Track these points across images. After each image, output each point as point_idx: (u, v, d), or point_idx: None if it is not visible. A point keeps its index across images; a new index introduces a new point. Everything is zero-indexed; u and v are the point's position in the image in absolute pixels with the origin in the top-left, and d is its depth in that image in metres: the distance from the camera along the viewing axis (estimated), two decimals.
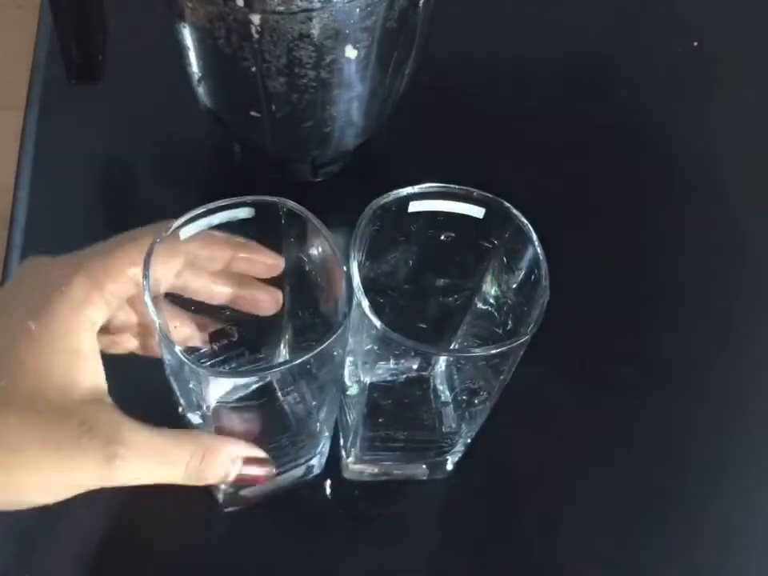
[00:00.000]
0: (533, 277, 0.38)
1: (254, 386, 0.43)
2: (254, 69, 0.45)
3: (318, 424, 0.43)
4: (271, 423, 0.44)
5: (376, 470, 0.46)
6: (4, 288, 0.38)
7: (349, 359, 0.41)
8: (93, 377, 0.36)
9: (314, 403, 0.43)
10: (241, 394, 0.43)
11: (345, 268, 0.36)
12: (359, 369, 0.40)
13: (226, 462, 0.38)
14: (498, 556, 0.45)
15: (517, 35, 0.64)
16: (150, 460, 0.35)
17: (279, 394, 0.44)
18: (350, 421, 0.44)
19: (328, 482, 0.46)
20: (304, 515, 0.45)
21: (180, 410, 0.40)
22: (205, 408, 0.38)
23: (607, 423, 0.49)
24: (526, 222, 0.38)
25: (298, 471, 0.45)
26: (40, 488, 0.35)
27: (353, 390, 0.42)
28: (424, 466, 0.46)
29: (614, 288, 0.54)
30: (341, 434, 0.46)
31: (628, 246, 0.56)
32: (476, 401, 0.42)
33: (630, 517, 0.47)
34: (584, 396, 0.50)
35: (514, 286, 0.40)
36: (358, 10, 0.43)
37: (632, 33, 0.66)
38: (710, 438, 0.49)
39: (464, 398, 0.44)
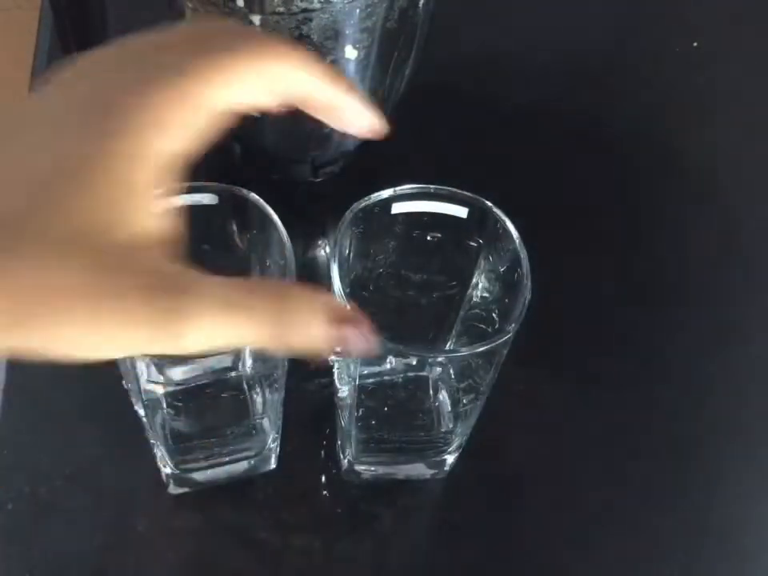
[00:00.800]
0: (516, 275, 0.38)
1: (203, 380, 0.44)
2: None
3: (259, 421, 0.44)
4: (215, 413, 0.44)
5: (374, 470, 0.46)
6: (52, 87, 0.29)
7: (338, 362, 0.41)
8: (155, 217, 0.28)
9: (257, 399, 0.43)
10: (194, 383, 0.43)
11: (290, 265, 0.36)
12: (349, 370, 0.40)
13: (312, 312, 0.28)
14: (497, 555, 0.45)
15: (517, 35, 0.64)
16: (224, 311, 0.27)
17: (225, 386, 0.45)
18: (343, 423, 0.44)
19: (327, 482, 0.46)
20: (303, 515, 0.45)
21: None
22: (143, 396, 0.39)
23: (606, 423, 0.49)
24: (506, 219, 0.39)
25: (244, 464, 0.45)
26: (83, 345, 0.27)
27: (343, 392, 0.42)
28: (423, 466, 0.46)
29: (614, 288, 0.54)
30: (337, 435, 0.46)
31: (628, 245, 0.56)
32: (467, 399, 0.42)
33: (629, 516, 0.47)
34: (583, 395, 0.50)
35: (500, 284, 0.41)
36: (357, 10, 0.43)
37: (632, 33, 0.66)
38: (711, 437, 0.49)
39: (458, 396, 0.44)
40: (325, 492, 0.46)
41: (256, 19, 0.42)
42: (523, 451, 0.48)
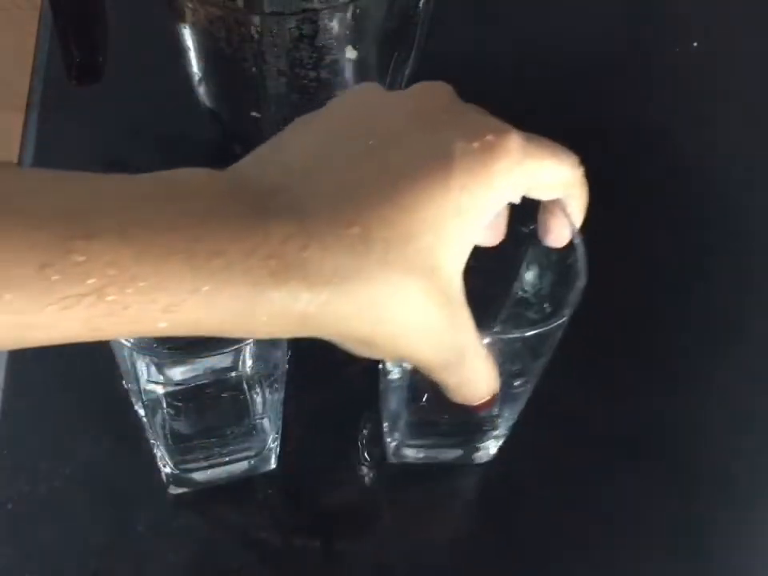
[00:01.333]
0: (568, 260, 0.37)
1: (203, 380, 0.44)
2: (254, 69, 0.45)
3: (259, 421, 0.44)
4: (215, 413, 0.44)
5: (420, 455, 0.46)
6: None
7: None
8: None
9: (257, 399, 0.44)
10: (194, 383, 0.43)
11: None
12: None
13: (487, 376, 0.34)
14: (498, 556, 0.45)
15: (517, 35, 0.64)
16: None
17: (225, 386, 0.45)
18: (392, 406, 0.44)
19: (328, 482, 0.46)
20: (303, 515, 0.45)
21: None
22: (143, 396, 0.39)
23: (607, 423, 0.49)
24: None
25: (244, 464, 0.45)
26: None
27: (394, 374, 0.42)
28: (466, 451, 0.46)
29: (614, 288, 0.54)
30: (383, 419, 0.46)
31: (628, 245, 0.56)
32: (517, 383, 0.42)
33: (631, 517, 0.47)
34: (585, 395, 0.50)
35: (551, 271, 0.40)
36: (358, 10, 0.43)
37: (632, 33, 0.66)
38: (715, 437, 0.49)
39: (505, 380, 0.43)
40: (325, 492, 0.46)
41: (256, 19, 0.42)
42: (525, 451, 0.48)
